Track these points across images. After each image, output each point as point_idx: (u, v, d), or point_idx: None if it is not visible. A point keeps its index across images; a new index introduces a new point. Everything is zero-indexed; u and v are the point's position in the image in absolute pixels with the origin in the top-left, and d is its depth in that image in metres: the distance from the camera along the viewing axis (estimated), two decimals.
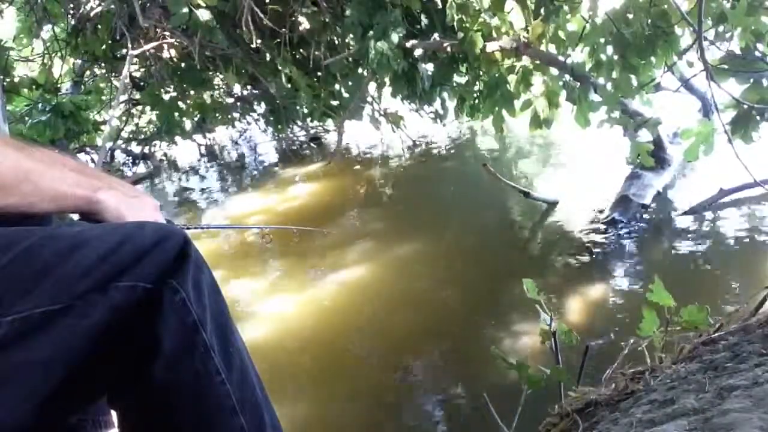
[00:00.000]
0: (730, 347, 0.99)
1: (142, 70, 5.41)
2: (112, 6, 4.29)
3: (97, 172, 0.86)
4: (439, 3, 3.67)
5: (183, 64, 4.82)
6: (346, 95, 4.60)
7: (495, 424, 1.24)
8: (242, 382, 0.71)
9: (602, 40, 2.92)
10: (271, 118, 5.40)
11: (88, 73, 5.66)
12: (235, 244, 3.73)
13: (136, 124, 6.37)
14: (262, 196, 4.95)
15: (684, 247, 2.83)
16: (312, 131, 6.34)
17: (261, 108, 5.62)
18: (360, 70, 4.22)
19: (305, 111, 4.93)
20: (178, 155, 6.76)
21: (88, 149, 6.05)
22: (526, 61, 3.38)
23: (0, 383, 0.60)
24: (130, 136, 6.44)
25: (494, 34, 3.40)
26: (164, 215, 0.86)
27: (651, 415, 0.86)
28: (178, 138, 5.99)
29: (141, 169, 6.50)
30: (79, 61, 5.30)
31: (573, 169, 4.36)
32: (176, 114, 5.24)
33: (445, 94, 4.24)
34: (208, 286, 0.71)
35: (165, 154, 6.72)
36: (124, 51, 4.62)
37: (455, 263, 3.11)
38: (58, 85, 5.12)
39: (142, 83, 5.42)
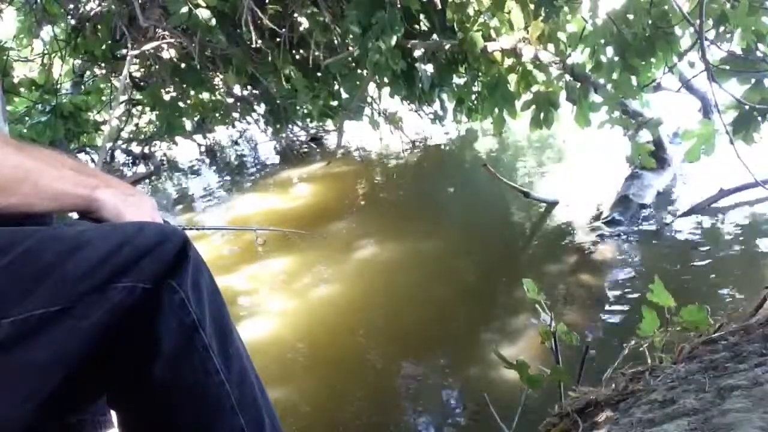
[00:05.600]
0: (730, 347, 0.99)
1: (142, 70, 5.41)
2: (112, 6, 4.29)
3: (94, 170, 0.86)
4: (439, 3, 3.67)
5: (183, 64, 4.82)
6: (345, 95, 4.60)
7: (495, 424, 1.24)
8: (241, 382, 0.71)
9: (602, 41, 2.92)
10: (271, 118, 5.40)
11: (88, 73, 5.65)
12: (234, 244, 3.72)
13: (136, 124, 6.36)
14: (262, 196, 4.95)
15: (684, 247, 2.83)
16: (312, 131, 6.34)
17: (261, 108, 5.62)
18: (359, 71, 4.22)
19: (305, 111, 4.93)
20: (178, 155, 6.76)
21: (88, 149, 6.05)
22: (526, 60, 3.38)
23: (0, 384, 0.60)
24: (130, 136, 6.43)
25: (494, 35, 3.40)
26: (161, 214, 0.87)
27: (651, 415, 0.86)
28: (178, 138, 5.99)
29: (141, 169, 6.49)
30: (79, 62, 5.30)
31: (573, 169, 4.36)
32: (176, 114, 5.24)
33: (444, 95, 4.24)
34: (207, 286, 0.71)
35: (165, 154, 6.72)
36: (124, 51, 4.61)
37: (455, 263, 3.10)
38: (58, 86, 5.11)
39: (142, 83, 5.41)
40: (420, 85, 3.84)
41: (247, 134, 7.02)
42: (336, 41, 4.10)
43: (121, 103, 5.54)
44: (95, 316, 0.64)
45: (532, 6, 3.21)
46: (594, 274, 2.70)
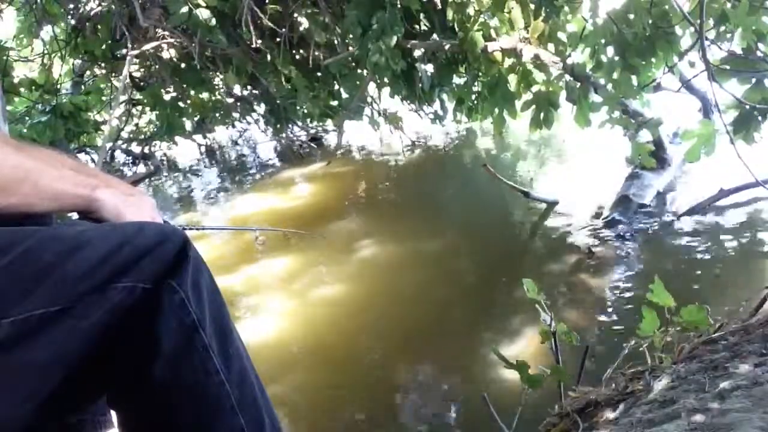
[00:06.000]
0: (730, 347, 0.99)
1: (142, 70, 5.41)
2: (112, 6, 4.29)
3: (94, 170, 0.86)
4: (439, 3, 3.67)
5: (183, 64, 4.82)
6: (345, 95, 4.60)
7: (495, 424, 1.24)
8: (241, 383, 0.71)
9: (603, 41, 2.92)
10: (271, 118, 5.40)
11: (88, 73, 5.65)
12: (234, 244, 3.72)
13: (136, 124, 6.36)
14: (262, 196, 4.94)
15: (684, 247, 2.83)
16: (312, 131, 6.34)
17: (261, 108, 5.62)
18: (359, 71, 4.22)
19: (305, 111, 4.93)
20: (178, 155, 6.76)
21: (88, 149, 6.05)
22: (526, 60, 3.38)
23: (0, 384, 0.60)
24: (130, 136, 6.43)
25: (494, 35, 3.40)
26: (161, 215, 0.87)
27: (651, 415, 0.86)
28: (178, 138, 5.99)
29: (141, 169, 6.49)
30: (79, 61, 5.30)
31: (573, 169, 4.36)
32: (176, 114, 5.24)
33: (444, 95, 4.24)
34: (207, 286, 0.71)
35: (165, 154, 6.72)
36: (124, 51, 4.61)
37: (455, 263, 3.11)
38: (58, 86, 5.11)
39: (142, 83, 5.41)
40: (420, 85, 3.84)
41: (247, 134, 7.02)
42: (336, 41, 4.10)
43: (121, 103, 5.54)
44: (95, 316, 0.64)
45: (532, 6, 3.21)
46: (594, 274, 2.70)
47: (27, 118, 4.67)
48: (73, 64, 5.33)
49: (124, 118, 5.99)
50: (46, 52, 4.91)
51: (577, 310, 2.41)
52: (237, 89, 5.47)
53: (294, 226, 3.76)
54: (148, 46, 4.21)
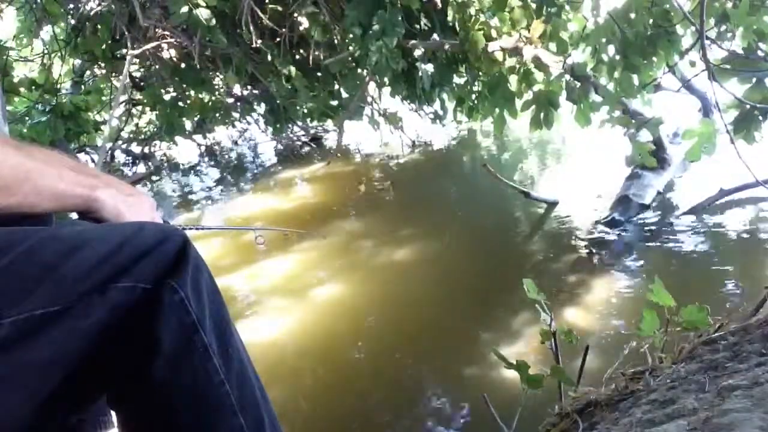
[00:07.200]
0: (730, 347, 0.99)
1: (142, 70, 5.41)
2: (112, 6, 4.29)
3: (94, 171, 0.86)
4: (439, 3, 3.67)
5: (183, 64, 4.82)
6: (345, 95, 4.60)
7: (495, 424, 1.24)
8: (241, 383, 0.71)
9: (604, 40, 2.92)
10: (271, 118, 5.40)
11: (88, 73, 5.65)
12: (234, 244, 3.72)
13: (136, 124, 6.37)
14: (262, 196, 4.95)
15: (684, 247, 2.83)
16: (312, 131, 6.35)
17: (261, 108, 5.63)
18: (359, 70, 4.22)
19: (305, 111, 4.94)
20: (178, 155, 6.76)
21: (88, 149, 6.06)
22: (527, 59, 3.37)
23: (0, 384, 0.60)
24: (130, 136, 6.44)
25: (495, 34, 3.40)
26: (161, 214, 0.87)
27: (651, 415, 0.86)
28: (178, 138, 5.99)
29: (141, 169, 6.50)
30: (79, 61, 5.30)
31: (573, 169, 4.36)
32: (176, 114, 5.24)
33: (444, 95, 4.24)
34: (207, 286, 0.71)
35: (165, 154, 6.72)
36: (124, 51, 4.62)
37: (455, 263, 3.10)
38: (58, 86, 5.12)
39: (142, 83, 5.42)
40: (420, 85, 3.84)
41: (247, 134, 7.02)
42: (336, 41, 4.10)
43: (121, 103, 5.55)
44: (95, 316, 0.64)
45: (533, 5, 3.21)
46: (594, 274, 2.70)
47: (27, 118, 4.66)
48: (73, 64, 5.33)
49: (124, 118, 6.00)
50: (46, 52, 4.91)
51: (577, 310, 2.41)
52: (237, 89, 5.48)
53: (294, 227, 3.76)
54: (148, 46, 4.22)
